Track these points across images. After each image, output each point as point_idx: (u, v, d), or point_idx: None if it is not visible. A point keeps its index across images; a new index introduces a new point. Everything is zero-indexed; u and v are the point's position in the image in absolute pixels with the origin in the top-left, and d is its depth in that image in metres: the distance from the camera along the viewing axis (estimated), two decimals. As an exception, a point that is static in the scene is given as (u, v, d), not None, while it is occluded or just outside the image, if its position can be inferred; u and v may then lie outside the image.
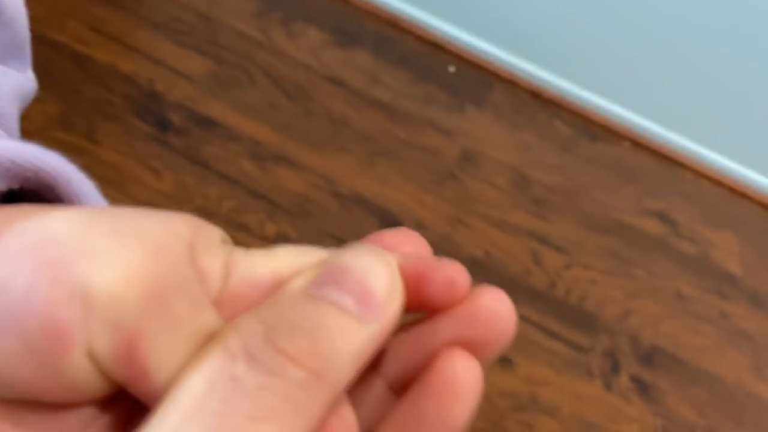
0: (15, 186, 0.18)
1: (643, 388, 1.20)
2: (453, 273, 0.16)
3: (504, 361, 1.15)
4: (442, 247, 1.28)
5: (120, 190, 1.21)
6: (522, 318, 1.22)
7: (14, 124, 0.25)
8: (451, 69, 1.78)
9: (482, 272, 1.27)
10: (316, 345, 0.13)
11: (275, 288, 0.15)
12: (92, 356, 0.14)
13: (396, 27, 1.83)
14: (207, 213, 1.22)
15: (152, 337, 0.14)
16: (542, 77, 1.82)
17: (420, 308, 0.17)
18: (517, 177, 1.52)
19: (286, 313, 0.14)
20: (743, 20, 1.57)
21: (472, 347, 0.16)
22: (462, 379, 0.15)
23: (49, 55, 1.32)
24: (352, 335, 0.14)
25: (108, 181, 1.24)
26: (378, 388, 0.17)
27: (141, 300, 0.14)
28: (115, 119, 1.27)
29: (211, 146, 1.31)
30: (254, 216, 1.25)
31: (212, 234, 0.16)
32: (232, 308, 0.16)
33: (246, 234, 1.26)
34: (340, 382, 0.14)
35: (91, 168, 0.22)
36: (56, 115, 1.24)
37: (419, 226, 1.30)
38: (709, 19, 1.60)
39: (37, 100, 0.36)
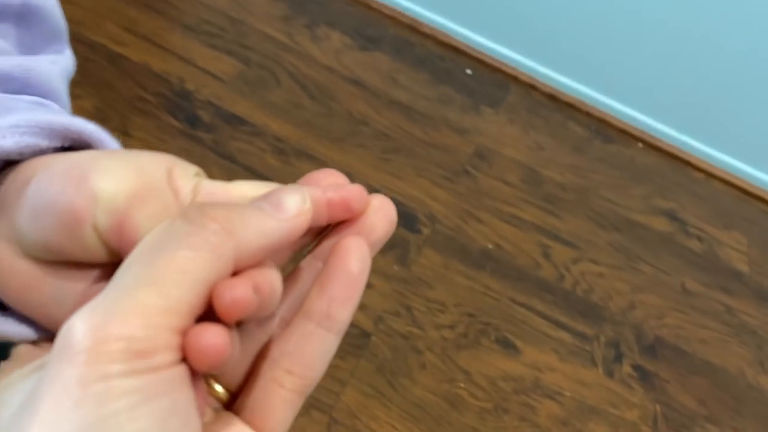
0: (66, 144, 0.25)
1: (644, 376, 1.24)
2: (362, 192, 0.24)
3: (510, 348, 1.20)
4: (453, 239, 1.33)
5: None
6: (529, 308, 1.27)
7: (66, 100, 0.34)
8: (469, 71, 1.84)
9: (492, 263, 1.32)
10: (231, 215, 0.20)
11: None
12: (97, 231, 0.22)
13: (416, 31, 1.89)
14: (232, 204, 1.29)
15: (135, 221, 0.22)
16: (559, 80, 1.86)
17: (344, 218, 0.24)
18: (529, 174, 1.57)
19: (221, 204, 0.21)
20: (755, 26, 1.60)
21: (366, 233, 0.24)
22: (353, 245, 0.23)
23: (86, 54, 1.40)
24: (261, 221, 0.21)
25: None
26: (311, 270, 0.25)
27: (128, 198, 0.22)
28: (148, 115, 1.35)
29: (237, 142, 1.38)
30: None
31: (188, 167, 0.24)
32: None
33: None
34: (249, 244, 0.20)
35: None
36: (92, 110, 1.33)
37: (432, 219, 1.36)
38: (721, 25, 1.63)
39: (75, 96, 0.43)
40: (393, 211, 0.24)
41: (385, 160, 1.45)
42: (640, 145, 1.79)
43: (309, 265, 0.24)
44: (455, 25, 1.91)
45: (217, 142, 1.36)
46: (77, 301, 0.23)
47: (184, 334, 0.18)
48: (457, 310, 1.22)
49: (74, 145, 0.25)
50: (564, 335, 1.25)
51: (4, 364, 0.22)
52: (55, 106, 0.32)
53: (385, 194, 0.24)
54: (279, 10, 1.77)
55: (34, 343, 0.23)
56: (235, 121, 1.42)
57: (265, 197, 0.22)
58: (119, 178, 0.22)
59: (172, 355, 0.18)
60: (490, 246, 1.36)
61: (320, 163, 1.40)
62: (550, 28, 1.83)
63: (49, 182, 0.22)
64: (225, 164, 1.34)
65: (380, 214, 0.24)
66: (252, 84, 1.52)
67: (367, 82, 1.66)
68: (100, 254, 0.22)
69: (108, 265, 0.23)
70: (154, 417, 0.17)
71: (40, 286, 0.23)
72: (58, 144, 0.25)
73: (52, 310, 0.23)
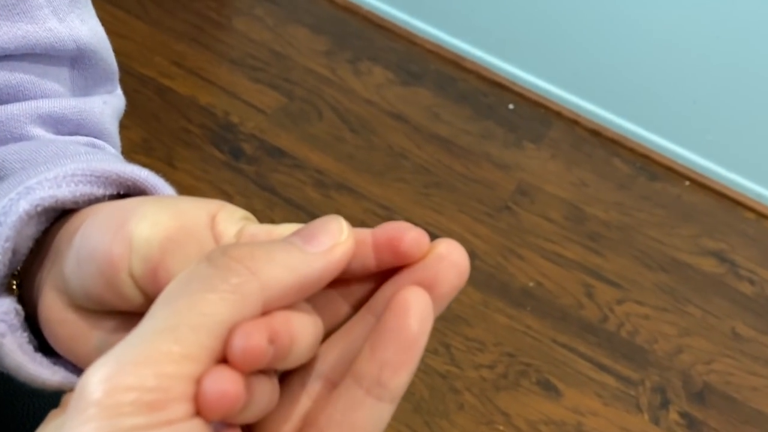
0: (122, 191, 0.25)
1: (692, 424, 1.19)
2: (417, 234, 0.21)
3: (551, 390, 1.16)
4: (493, 277, 1.31)
5: (193, 212, 1.30)
6: (571, 349, 1.24)
7: (117, 140, 0.35)
8: (511, 107, 1.83)
9: (533, 302, 1.30)
10: (256, 254, 0.19)
11: None
12: (133, 278, 0.21)
13: (458, 66, 1.89)
14: (271, 236, 1.30)
15: (168, 266, 0.21)
16: (603, 116, 1.84)
17: (395, 263, 0.21)
18: (572, 211, 1.55)
19: (249, 244, 0.20)
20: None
21: (429, 285, 0.20)
22: (412, 300, 0.19)
23: (135, 87, 1.44)
24: (290, 256, 0.19)
25: (183, 204, 1.32)
26: (364, 326, 0.22)
27: (163, 243, 0.21)
28: (193, 147, 1.38)
29: (279, 174, 1.39)
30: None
31: (235, 211, 0.23)
32: None
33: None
34: (277, 283, 0.18)
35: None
36: (139, 141, 1.35)
37: (472, 256, 1.34)
38: (771, 61, 1.60)
39: (123, 127, 0.43)
40: (464, 260, 0.20)
41: (426, 195, 1.45)
42: (687, 182, 1.75)
43: (361, 320, 0.22)
44: (498, 60, 1.91)
45: (260, 174, 1.38)
46: None
47: (204, 380, 0.17)
48: (497, 349, 1.19)
49: (129, 191, 0.25)
50: (607, 378, 1.22)
51: (53, 412, 0.21)
52: (108, 147, 0.32)
53: (426, 229, 0.21)
54: (322, 45, 1.79)
55: None
56: (277, 153, 1.43)
57: (298, 230, 0.20)
58: (155, 222, 0.22)
59: (189, 407, 0.16)
60: (532, 284, 1.33)
61: (360, 197, 1.40)
62: (593, 63, 1.81)
63: (92, 229, 0.22)
64: (266, 196, 1.34)
65: (447, 263, 0.20)
66: (295, 117, 1.54)
67: (409, 116, 1.66)
68: (138, 302, 0.22)
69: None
70: None
71: (86, 336, 0.23)
72: (113, 191, 0.25)
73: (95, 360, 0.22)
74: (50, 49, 0.31)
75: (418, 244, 0.20)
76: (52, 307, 0.23)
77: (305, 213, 1.34)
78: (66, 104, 0.31)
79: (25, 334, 0.23)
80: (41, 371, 0.23)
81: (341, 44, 1.82)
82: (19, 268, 0.24)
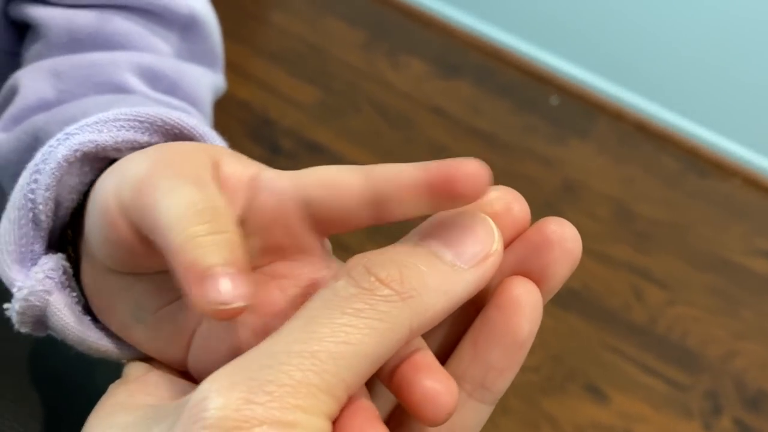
0: (168, 140, 0.23)
1: (746, 431, 1.15)
2: (510, 199, 0.18)
3: (599, 394, 1.13)
4: (538, 276, 1.28)
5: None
6: (619, 352, 1.20)
7: (208, 109, 0.34)
8: (554, 100, 1.78)
9: (579, 304, 1.26)
10: (406, 276, 0.16)
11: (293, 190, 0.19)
12: (127, 214, 0.19)
13: (498, 58, 1.85)
14: (310, 233, 1.28)
15: (156, 180, 0.18)
16: (649, 110, 1.79)
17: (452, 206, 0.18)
18: (619, 210, 1.50)
19: (390, 254, 0.17)
20: None
21: (538, 276, 0.18)
22: (523, 297, 0.17)
23: (174, 82, 1.43)
24: (443, 277, 0.17)
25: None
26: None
27: (151, 166, 0.19)
28: (230, 142, 1.35)
29: (316, 170, 1.37)
30: (355, 235, 1.30)
31: (243, 157, 0.21)
32: (256, 213, 0.20)
33: (345, 252, 1.31)
34: (428, 310, 0.16)
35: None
36: (178, 136, 1.35)
37: (516, 254, 1.31)
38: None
39: None
40: (578, 248, 0.18)
41: (467, 192, 1.41)
42: (738, 180, 1.69)
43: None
44: (539, 51, 1.87)
45: (298, 169, 1.36)
46: (155, 322, 0.20)
47: (334, 420, 0.15)
48: (543, 352, 1.16)
49: (176, 140, 0.23)
50: (657, 383, 1.17)
51: (114, 384, 0.19)
52: (198, 115, 0.31)
53: None
54: (359, 38, 1.77)
55: (140, 360, 0.21)
56: (315, 148, 1.41)
57: (436, 233, 0.17)
58: (151, 159, 0.20)
59: None
60: (578, 285, 1.29)
61: (400, 194, 1.37)
62: (638, 54, 1.76)
63: (100, 181, 0.20)
64: (304, 193, 1.33)
65: (559, 253, 0.18)
66: (333, 112, 1.52)
67: (448, 110, 1.63)
68: (143, 251, 0.19)
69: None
70: None
71: (120, 304, 0.21)
72: (159, 140, 0.22)
73: (133, 330, 0.21)
74: (165, 10, 0.31)
75: (476, 185, 0.17)
76: (86, 270, 0.21)
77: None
78: (167, 62, 0.31)
79: (74, 294, 0.21)
80: (88, 334, 0.21)
81: (379, 37, 1.80)
82: (67, 221, 0.23)
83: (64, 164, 0.21)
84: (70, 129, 0.22)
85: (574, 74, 1.84)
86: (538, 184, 1.49)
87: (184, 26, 0.33)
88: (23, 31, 0.33)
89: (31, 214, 0.21)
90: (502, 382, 0.18)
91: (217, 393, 0.14)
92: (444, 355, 0.19)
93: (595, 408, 1.11)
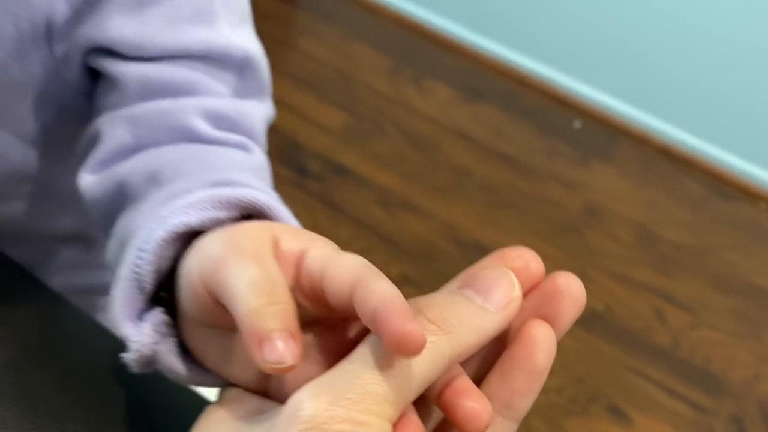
0: (244, 213, 0.28)
1: (773, 457, 1.14)
2: (529, 258, 0.23)
3: (622, 416, 1.13)
4: (561, 298, 1.29)
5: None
6: (642, 375, 1.20)
7: (262, 140, 0.39)
8: (577, 124, 1.80)
9: (601, 325, 1.26)
10: (446, 316, 0.21)
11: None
12: (206, 286, 0.23)
13: (522, 83, 1.88)
14: (336, 253, 1.31)
15: (226, 260, 0.23)
16: (673, 134, 1.79)
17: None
18: (642, 233, 1.51)
19: (435, 299, 0.22)
20: None
21: (551, 319, 0.23)
22: (540, 335, 0.22)
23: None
24: (475, 317, 0.22)
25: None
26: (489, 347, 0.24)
27: (224, 247, 0.24)
28: (260, 164, 1.40)
29: (344, 192, 1.40)
30: (379, 257, 1.32)
31: (300, 232, 0.25)
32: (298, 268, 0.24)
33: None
34: (463, 342, 0.21)
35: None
36: (209, 159, 1.39)
37: (539, 276, 1.32)
38: None
39: None
40: (582, 295, 0.23)
41: (491, 214, 1.43)
42: (763, 204, 1.69)
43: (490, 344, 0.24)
44: (563, 76, 1.89)
45: (325, 192, 1.39)
46: (238, 361, 0.25)
47: (394, 423, 0.20)
48: (566, 373, 1.16)
49: (251, 213, 0.28)
50: (680, 406, 1.18)
51: (210, 406, 0.24)
52: (256, 148, 0.37)
53: (490, 248, 0.23)
54: (386, 64, 1.80)
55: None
56: (341, 171, 1.44)
57: (470, 283, 0.22)
58: (220, 235, 0.24)
59: None
60: (601, 307, 1.30)
61: (425, 215, 1.40)
62: (662, 79, 1.78)
63: (187, 257, 0.25)
64: (331, 214, 1.36)
65: (568, 300, 0.23)
66: (359, 136, 1.55)
67: (473, 134, 1.66)
68: (226, 315, 0.23)
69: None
70: None
71: (211, 348, 0.26)
72: (237, 214, 0.27)
73: (223, 367, 0.25)
74: (223, 55, 0.36)
75: (538, 277, 0.23)
76: (183, 323, 0.26)
77: (370, 231, 1.35)
78: (228, 104, 0.36)
79: (175, 340, 0.26)
80: (189, 371, 0.26)
81: (405, 62, 1.83)
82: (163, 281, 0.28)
83: (163, 244, 0.26)
84: (164, 212, 0.27)
85: (597, 98, 1.86)
86: (561, 206, 1.50)
87: (239, 67, 0.37)
88: (96, 75, 0.37)
89: (136, 283, 0.26)
90: (525, 403, 0.22)
91: (308, 399, 0.19)
92: (477, 382, 0.23)
93: (618, 430, 1.12)
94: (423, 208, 1.41)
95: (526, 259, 0.23)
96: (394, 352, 0.20)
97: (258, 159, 0.37)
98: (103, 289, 0.51)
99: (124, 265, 0.26)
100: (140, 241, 0.26)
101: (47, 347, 0.33)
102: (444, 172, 1.52)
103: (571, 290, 0.23)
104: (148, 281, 0.26)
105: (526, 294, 0.23)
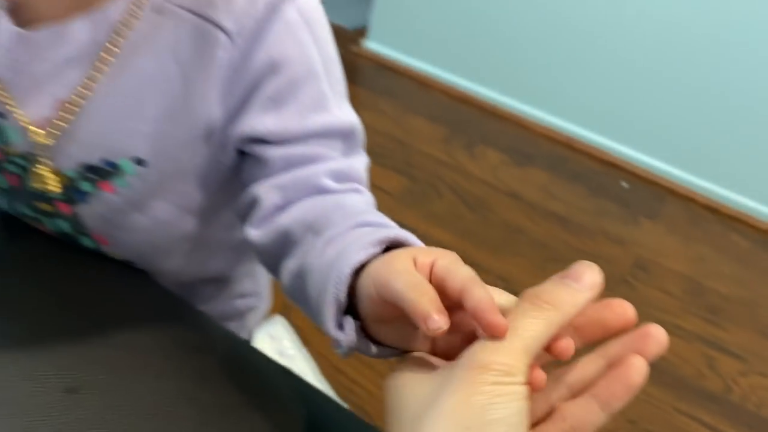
0: (391, 244, 0.38)
1: (828, 500, 1.16)
2: (629, 310, 0.33)
3: (675, 458, 1.17)
4: (613, 346, 1.35)
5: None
6: (694, 418, 1.24)
7: (366, 183, 0.50)
8: (624, 185, 1.88)
9: (654, 371, 1.30)
10: (554, 297, 0.31)
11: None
12: (380, 294, 0.34)
13: (570, 147, 1.98)
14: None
15: (388, 275, 0.34)
16: (719, 193, 1.85)
17: (605, 335, 0.33)
18: (691, 285, 1.56)
19: (546, 285, 0.32)
20: None
21: (641, 353, 0.32)
22: (636, 364, 0.31)
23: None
24: (573, 295, 0.31)
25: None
26: (593, 366, 0.34)
27: (384, 268, 0.35)
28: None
29: (403, 249, 1.50)
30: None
31: (429, 250, 0.35)
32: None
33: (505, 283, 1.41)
34: (567, 313, 0.30)
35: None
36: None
37: (590, 325, 1.38)
38: None
39: None
40: (665, 339, 0.32)
41: (543, 269, 1.51)
42: (812, 257, 1.72)
43: (596, 359, 0.33)
44: (609, 140, 1.97)
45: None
46: (406, 336, 0.36)
47: (530, 367, 0.30)
48: (618, 416, 1.21)
49: (394, 245, 0.38)
50: (734, 450, 1.21)
51: (399, 360, 0.35)
52: (366, 192, 0.49)
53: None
54: (440, 133, 1.94)
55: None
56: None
57: (567, 275, 0.32)
58: (381, 264, 0.35)
59: (523, 378, 0.29)
60: (651, 354, 1.35)
61: (480, 270, 1.47)
62: (706, 141, 1.84)
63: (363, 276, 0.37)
64: (394, 269, 1.46)
65: (654, 342, 0.32)
66: (417, 198, 1.67)
67: (523, 194, 1.75)
68: (392, 311, 0.34)
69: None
70: (513, 409, 0.28)
71: (384, 334, 0.37)
72: (386, 245, 0.38)
73: (398, 343, 0.36)
74: (335, 130, 0.48)
75: (629, 319, 0.33)
76: (364, 320, 0.37)
77: (430, 284, 1.44)
78: (342, 163, 0.48)
79: (364, 334, 0.37)
80: (380, 351, 0.37)
81: (457, 131, 1.96)
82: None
83: (349, 275, 0.37)
84: (349, 259, 0.37)
85: (643, 161, 1.93)
86: (612, 262, 1.57)
87: (345, 135, 0.49)
88: (242, 154, 0.50)
89: (336, 303, 0.37)
90: (619, 404, 0.31)
91: (476, 352, 0.29)
92: (583, 390, 0.33)
93: (672, 472, 1.16)
94: (479, 263, 1.50)
95: (624, 306, 0.33)
96: (488, 334, 0.29)
97: (368, 197, 0.49)
98: (231, 316, 0.64)
99: (329, 294, 0.37)
100: (334, 278, 0.37)
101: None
102: (497, 229, 1.62)
103: (657, 335, 0.32)
104: (343, 301, 0.37)
105: (617, 334, 0.32)
